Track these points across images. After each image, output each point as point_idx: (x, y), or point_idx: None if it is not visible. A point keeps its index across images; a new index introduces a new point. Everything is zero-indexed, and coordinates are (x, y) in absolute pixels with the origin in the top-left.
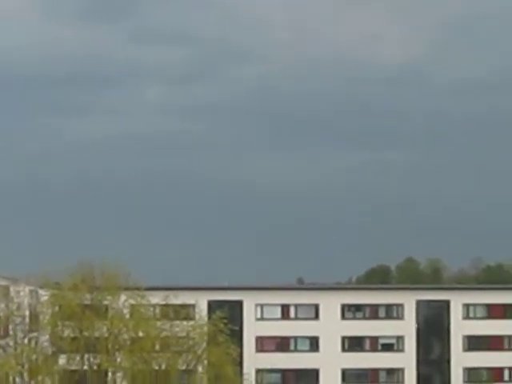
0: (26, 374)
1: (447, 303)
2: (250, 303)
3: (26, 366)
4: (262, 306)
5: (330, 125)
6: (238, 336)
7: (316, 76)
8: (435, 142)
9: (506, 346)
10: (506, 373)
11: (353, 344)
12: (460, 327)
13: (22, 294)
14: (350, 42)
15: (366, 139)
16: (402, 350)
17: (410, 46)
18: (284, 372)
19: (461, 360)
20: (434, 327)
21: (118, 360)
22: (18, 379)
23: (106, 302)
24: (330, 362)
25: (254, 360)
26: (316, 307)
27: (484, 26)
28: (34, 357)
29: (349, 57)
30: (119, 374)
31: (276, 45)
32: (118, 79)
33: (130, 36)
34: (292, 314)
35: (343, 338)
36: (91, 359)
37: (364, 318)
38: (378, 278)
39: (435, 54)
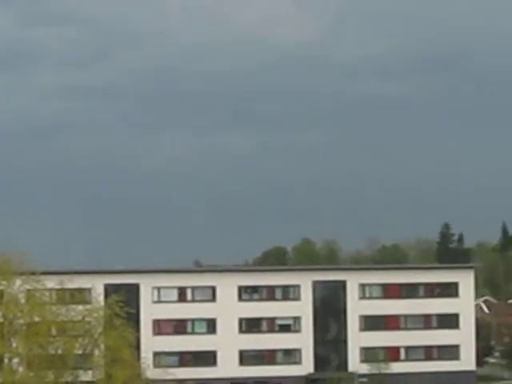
0: None
1: (343, 283)
2: (146, 286)
3: None
4: (158, 288)
5: (228, 107)
6: (134, 319)
7: (219, 58)
8: (334, 122)
9: (402, 325)
10: (403, 351)
11: (250, 325)
12: (356, 307)
13: None
14: (250, 25)
15: (264, 121)
16: (298, 331)
17: (307, 28)
18: (181, 354)
19: (357, 340)
20: (330, 307)
21: (14, 345)
22: None
23: (0, 287)
24: (228, 344)
25: (151, 343)
26: (213, 289)
27: (380, 7)
28: None
29: (250, 39)
30: (15, 360)
31: (177, 27)
32: (8, 62)
33: (21, 18)
34: (189, 296)
35: (240, 320)
36: None
37: (261, 299)
38: (274, 260)
39: (332, 35)
